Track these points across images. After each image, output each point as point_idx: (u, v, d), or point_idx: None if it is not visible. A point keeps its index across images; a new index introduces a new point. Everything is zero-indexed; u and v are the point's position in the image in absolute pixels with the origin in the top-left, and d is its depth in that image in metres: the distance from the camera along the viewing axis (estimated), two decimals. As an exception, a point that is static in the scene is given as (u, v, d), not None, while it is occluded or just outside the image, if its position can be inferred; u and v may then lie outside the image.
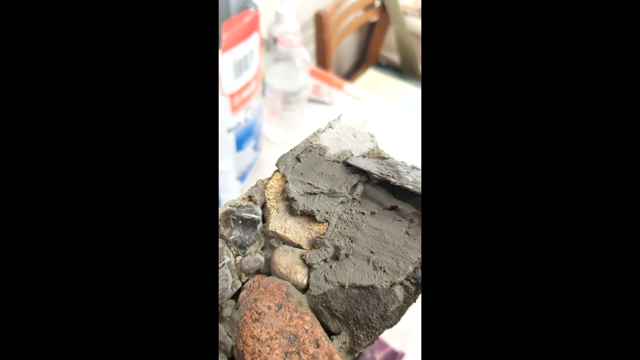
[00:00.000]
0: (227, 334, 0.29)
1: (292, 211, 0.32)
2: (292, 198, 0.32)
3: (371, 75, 1.75)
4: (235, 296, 0.31)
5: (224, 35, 0.60)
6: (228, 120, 0.70)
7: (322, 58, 1.50)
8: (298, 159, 0.35)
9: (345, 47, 1.86)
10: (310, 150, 0.35)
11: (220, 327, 0.29)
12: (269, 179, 0.35)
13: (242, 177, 0.86)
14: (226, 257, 0.31)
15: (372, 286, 0.29)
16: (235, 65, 0.65)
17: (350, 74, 1.96)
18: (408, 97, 1.62)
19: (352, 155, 0.35)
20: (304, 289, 0.30)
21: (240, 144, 0.77)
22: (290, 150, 0.36)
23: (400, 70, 1.83)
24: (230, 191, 0.83)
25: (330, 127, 0.37)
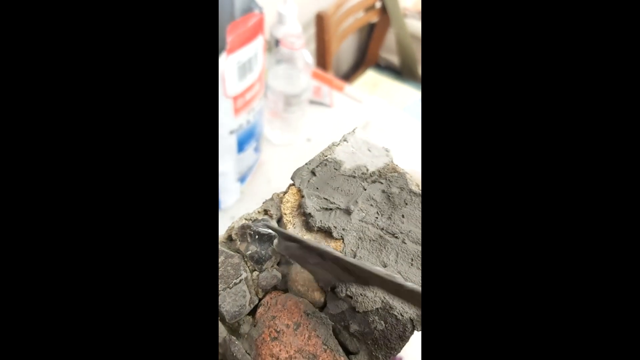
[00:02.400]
0: (246, 352, 0.29)
1: (308, 227, 0.32)
2: (309, 214, 0.32)
3: (370, 76, 1.75)
4: (252, 312, 0.31)
5: (228, 38, 0.59)
6: (230, 122, 0.70)
7: (322, 59, 1.50)
8: (313, 173, 0.35)
9: (344, 47, 1.86)
10: (325, 164, 0.35)
11: (238, 344, 0.29)
12: (285, 192, 0.34)
13: (242, 179, 0.86)
14: (243, 272, 0.31)
15: (390, 306, 0.29)
16: (239, 68, 0.64)
17: (349, 75, 1.96)
18: (407, 99, 1.62)
19: (367, 169, 0.35)
20: (322, 307, 0.30)
21: (241, 145, 0.77)
22: (306, 163, 0.36)
23: (399, 72, 1.83)
24: (230, 193, 0.83)
25: (344, 140, 0.37)
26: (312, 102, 1.05)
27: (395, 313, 0.29)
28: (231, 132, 0.71)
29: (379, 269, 0.27)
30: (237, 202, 0.86)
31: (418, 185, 0.34)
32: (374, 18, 1.76)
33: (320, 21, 1.42)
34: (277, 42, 0.92)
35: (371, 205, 0.33)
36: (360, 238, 0.32)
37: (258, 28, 0.64)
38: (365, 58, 1.95)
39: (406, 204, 0.33)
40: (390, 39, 1.82)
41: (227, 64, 0.61)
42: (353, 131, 0.38)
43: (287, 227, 0.32)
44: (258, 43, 0.66)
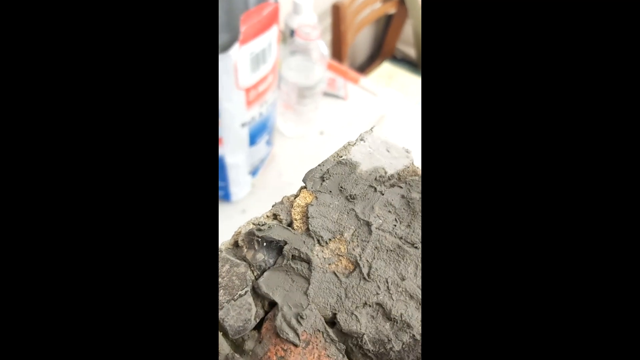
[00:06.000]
0: (249, 371, 0.26)
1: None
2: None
3: (386, 68, 1.72)
4: (258, 327, 0.28)
5: (242, 28, 0.57)
6: (242, 115, 0.68)
7: (337, 50, 1.47)
8: (327, 175, 0.32)
9: (360, 39, 1.83)
10: (339, 166, 0.33)
11: (242, 362, 0.27)
12: (296, 196, 0.32)
13: (253, 172, 0.85)
14: (249, 283, 0.28)
15: (408, 325, 0.26)
16: (252, 59, 0.62)
17: (365, 67, 1.93)
18: (422, 92, 1.59)
19: (385, 172, 0.33)
20: (333, 323, 0.28)
21: (253, 138, 0.76)
22: (319, 165, 0.33)
23: (415, 65, 1.79)
24: (242, 185, 0.82)
25: (361, 139, 0.35)
26: (326, 95, 1.03)
27: (414, 333, 0.26)
28: (243, 125, 0.70)
29: None
30: (248, 195, 0.85)
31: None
32: (391, 9, 1.72)
33: (337, 12, 1.39)
34: (292, 33, 0.90)
35: (389, 211, 0.31)
36: (376, 248, 0.29)
37: (273, 18, 0.63)
38: (381, 50, 1.92)
39: (427, 211, 0.31)
40: (407, 30, 1.79)
41: (240, 55, 0.59)
42: (371, 130, 0.35)
43: (297, 232, 0.30)
44: (272, 33, 0.64)
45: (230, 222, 0.83)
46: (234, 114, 0.66)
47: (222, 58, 0.57)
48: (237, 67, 0.60)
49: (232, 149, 0.72)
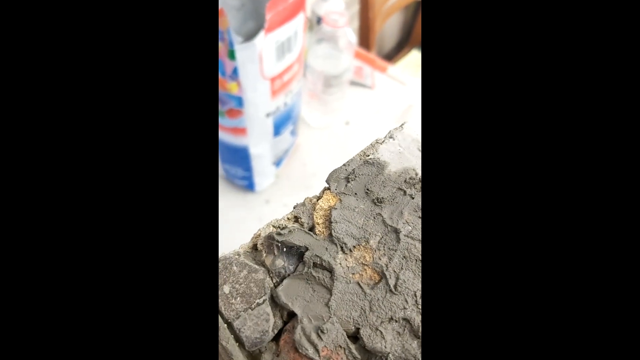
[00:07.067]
0: (266, 386, 0.25)
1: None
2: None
3: (415, 57, 1.68)
4: (276, 338, 0.27)
5: (267, 16, 0.56)
6: (267, 105, 0.67)
7: (365, 37, 1.44)
8: (352, 177, 0.30)
9: (389, 26, 1.79)
10: (366, 166, 0.31)
11: (258, 376, 0.25)
12: (318, 198, 0.30)
13: (277, 162, 0.84)
14: (268, 291, 0.27)
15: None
16: (277, 48, 0.61)
17: (393, 55, 1.89)
18: (452, 81, 1.55)
19: (416, 173, 0.31)
20: (356, 338, 0.26)
21: (277, 129, 0.75)
22: (343, 164, 0.31)
23: (445, 53, 1.75)
24: (266, 176, 0.81)
25: (390, 137, 0.32)
26: (353, 83, 1.01)
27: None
28: (267, 115, 0.69)
29: None
30: (271, 185, 0.84)
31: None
32: (421, -5, 1.68)
33: (365, -2, 1.36)
34: (319, 20, 0.88)
35: (419, 217, 0.29)
36: (404, 257, 0.27)
37: (299, 5, 0.61)
38: (410, 37, 1.89)
39: (460, 218, 0.28)
40: (438, 17, 1.74)
41: (265, 44, 0.58)
42: (401, 126, 0.33)
43: (320, 237, 0.28)
44: (298, 21, 0.63)
45: (254, 212, 0.82)
46: (258, 103, 0.65)
47: (247, 47, 0.56)
48: (262, 56, 0.59)
49: (257, 139, 0.72)
